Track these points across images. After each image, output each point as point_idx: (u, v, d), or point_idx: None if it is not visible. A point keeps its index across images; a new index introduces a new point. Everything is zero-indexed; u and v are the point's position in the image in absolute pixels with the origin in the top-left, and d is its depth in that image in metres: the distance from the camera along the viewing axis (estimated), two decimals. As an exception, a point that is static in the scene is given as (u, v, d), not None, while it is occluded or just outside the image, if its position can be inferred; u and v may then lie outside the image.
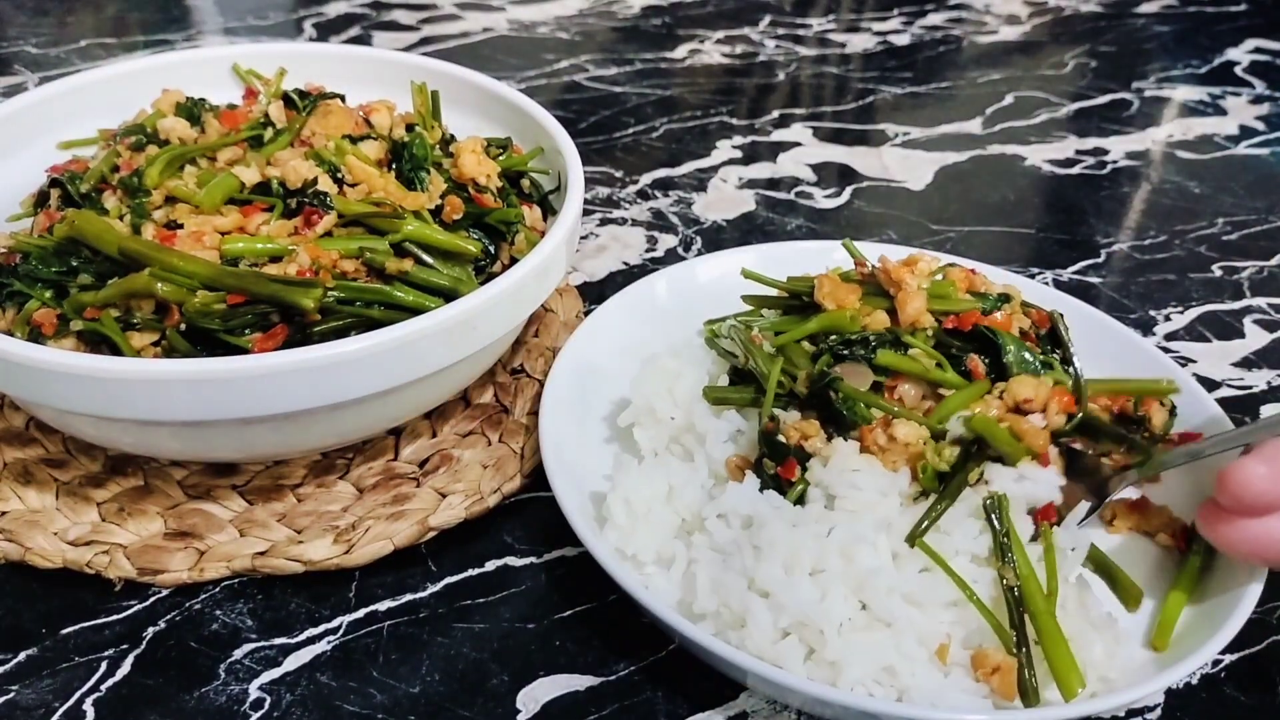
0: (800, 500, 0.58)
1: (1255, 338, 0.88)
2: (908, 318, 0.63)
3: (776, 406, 0.62)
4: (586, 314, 0.81)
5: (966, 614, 0.54)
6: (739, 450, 0.62)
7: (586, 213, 1.00)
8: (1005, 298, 0.67)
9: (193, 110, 0.70)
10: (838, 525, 0.55)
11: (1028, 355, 0.63)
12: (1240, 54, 1.48)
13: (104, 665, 0.55)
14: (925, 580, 0.54)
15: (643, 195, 1.03)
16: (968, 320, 0.64)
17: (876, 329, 0.63)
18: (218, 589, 0.59)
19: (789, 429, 0.60)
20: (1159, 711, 0.56)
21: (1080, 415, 0.61)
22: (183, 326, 0.55)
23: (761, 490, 0.58)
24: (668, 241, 0.96)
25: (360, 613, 0.59)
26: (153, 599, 0.58)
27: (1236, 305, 0.92)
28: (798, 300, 0.68)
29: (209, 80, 0.77)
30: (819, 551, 0.54)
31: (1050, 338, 0.67)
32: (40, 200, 0.67)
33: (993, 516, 0.56)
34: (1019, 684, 0.51)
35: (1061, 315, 0.68)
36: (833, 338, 0.63)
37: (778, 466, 0.59)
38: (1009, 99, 1.29)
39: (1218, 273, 0.97)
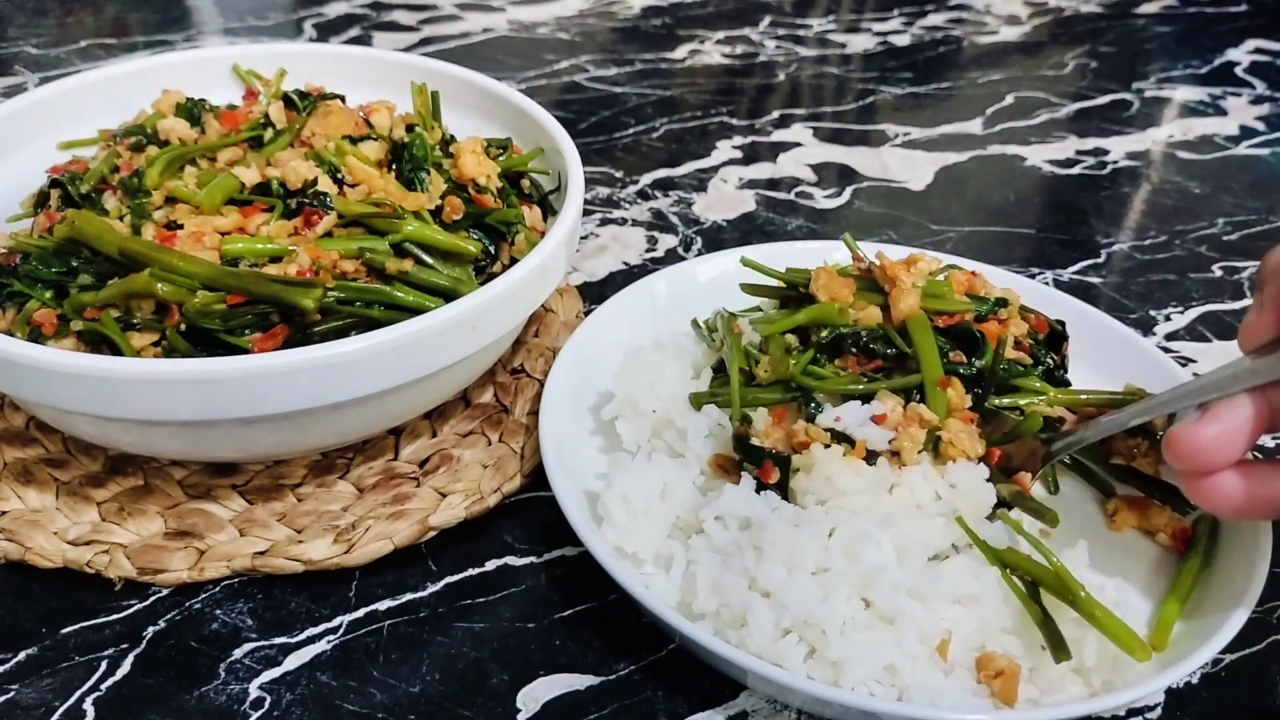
0: (788, 496, 0.58)
1: (1255, 338, 0.88)
2: (899, 314, 0.63)
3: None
4: (586, 314, 0.81)
5: (970, 611, 0.54)
6: (719, 447, 0.62)
7: (587, 213, 1.00)
8: (1003, 301, 0.67)
9: (193, 111, 0.70)
10: (840, 525, 0.55)
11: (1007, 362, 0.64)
12: (1240, 54, 1.48)
13: (104, 665, 0.55)
14: (930, 576, 0.54)
15: (643, 195, 1.03)
16: (959, 319, 0.64)
17: (868, 324, 0.64)
18: (218, 588, 0.59)
19: (762, 431, 0.60)
20: (1159, 711, 0.56)
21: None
22: (183, 327, 0.55)
23: (758, 491, 0.58)
24: (668, 242, 0.96)
25: (360, 612, 0.59)
26: (153, 598, 0.58)
27: (1237, 305, 0.92)
28: (794, 292, 0.69)
29: (209, 81, 0.78)
30: (822, 551, 0.54)
31: (1049, 343, 0.67)
32: (40, 201, 0.67)
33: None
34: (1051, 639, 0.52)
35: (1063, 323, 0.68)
36: (823, 331, 0.63)
37: (756, 470, 0.59)
38: (1009, 99, 1.29)
39: (1218, 273, 0.97)
